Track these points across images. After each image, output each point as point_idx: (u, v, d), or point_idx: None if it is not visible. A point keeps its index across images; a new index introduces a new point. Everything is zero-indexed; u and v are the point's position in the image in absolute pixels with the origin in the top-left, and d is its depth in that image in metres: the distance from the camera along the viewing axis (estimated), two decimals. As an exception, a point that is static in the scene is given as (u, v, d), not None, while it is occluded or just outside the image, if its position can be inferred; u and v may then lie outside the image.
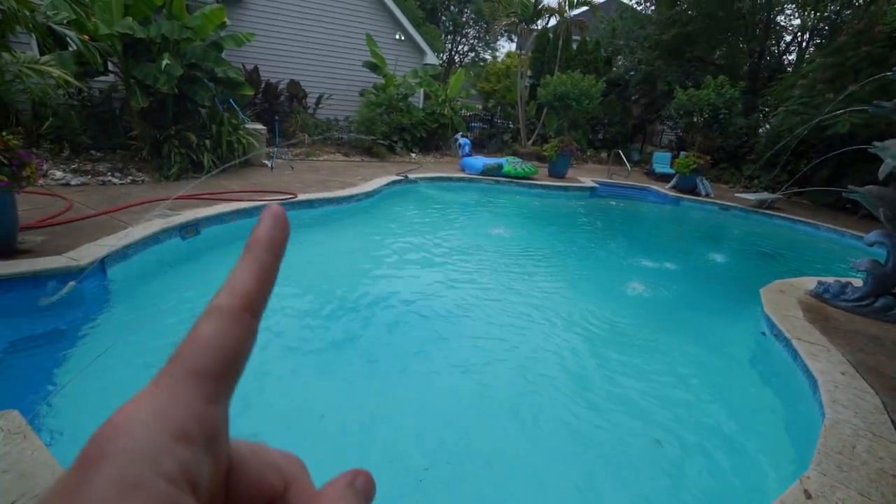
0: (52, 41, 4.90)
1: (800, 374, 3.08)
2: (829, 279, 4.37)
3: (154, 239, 4.33)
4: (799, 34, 14.91)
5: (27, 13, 3.03)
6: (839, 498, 1.91)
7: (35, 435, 1.89)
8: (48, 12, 4.41)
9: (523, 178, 9.66)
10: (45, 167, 5.78)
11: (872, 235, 3.98)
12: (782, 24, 15.42)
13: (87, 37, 5.81)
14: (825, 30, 13.39)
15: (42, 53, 6.81)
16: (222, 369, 0.19)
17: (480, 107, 16.31)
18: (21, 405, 2.12)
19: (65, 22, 5.42)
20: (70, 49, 5.72)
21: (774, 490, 2.12)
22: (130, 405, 0.18)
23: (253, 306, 0.21)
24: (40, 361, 2.78)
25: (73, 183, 5.72)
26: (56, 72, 3.82)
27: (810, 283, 4.52)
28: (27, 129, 6.18)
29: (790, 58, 15.62)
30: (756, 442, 2.74)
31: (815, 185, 10.23)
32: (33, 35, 3.58)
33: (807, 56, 13.72)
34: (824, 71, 9.31)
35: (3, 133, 3.34)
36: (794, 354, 3.21)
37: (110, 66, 6.59)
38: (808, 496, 1.92)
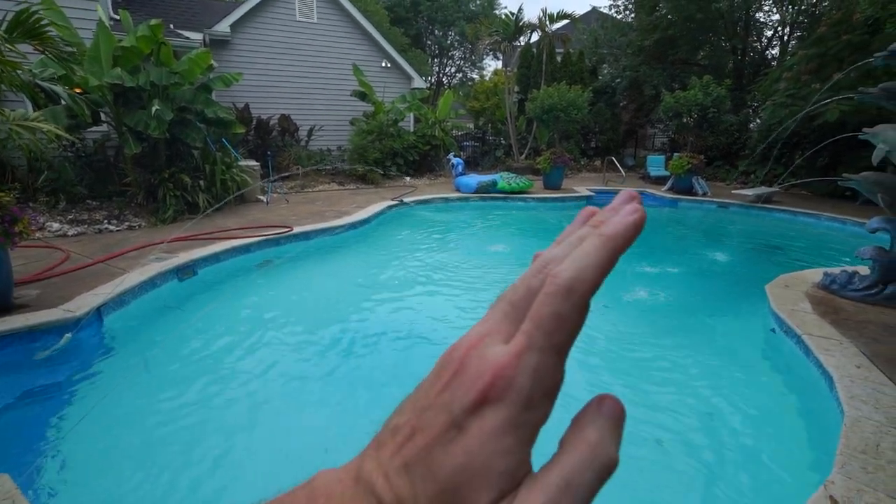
0: (43, 97, 5.00)
1: (814, 370, 2.98)
2: (835, 270, 4.28)
3: (151, 283, 4.31)
4: (779, 28, 15.09)
5: (12, 72, 3.09)
6: (867, 502, 1.81)
7: (24, 500, 1.83)
8: (34, 70, 4.51)
9: (518, 192, 9.68)
10: (41, 220, 5.83)
11: (874, 222, 3.91)
12: (762, 20, 15.64)
13: (78, 90, 5.94)
14: (805, 22, 13.55)
15: (36, 109, 6.96)
16: (571, 344, 0.22)
17: (471, 126, 16.48)
18: (16, 466, 2.07)
19: (55, 77, 5.56)
20: (62, 103, 5.84)
21: (798, 497, 2.01)
22: (511, 359, 0.20)
23: (594, 293, 0.22)
24: (36, 418, 2.73)
25: (70, 234, 5.76)
26: (46, 127, 3.87)
27: (816, 275, 4.43)
28: (23, 184, 6.27)
29: (773, 52, 15.78)
30: (774, 445, 2.63)
31: (812, 176, 10.18)
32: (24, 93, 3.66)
33: (789, 49, 13.85)
34: (808, 62, 9.36)
35: (-5, 191, 3.37)
36: (807, 350, 3.11)
37: (102, 116, 6.72)
38: (835, 502, 1.82)
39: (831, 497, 1.85)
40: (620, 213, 0.23)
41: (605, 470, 0.20)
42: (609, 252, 0.22)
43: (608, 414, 0.22)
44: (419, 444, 0.21)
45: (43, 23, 3.64)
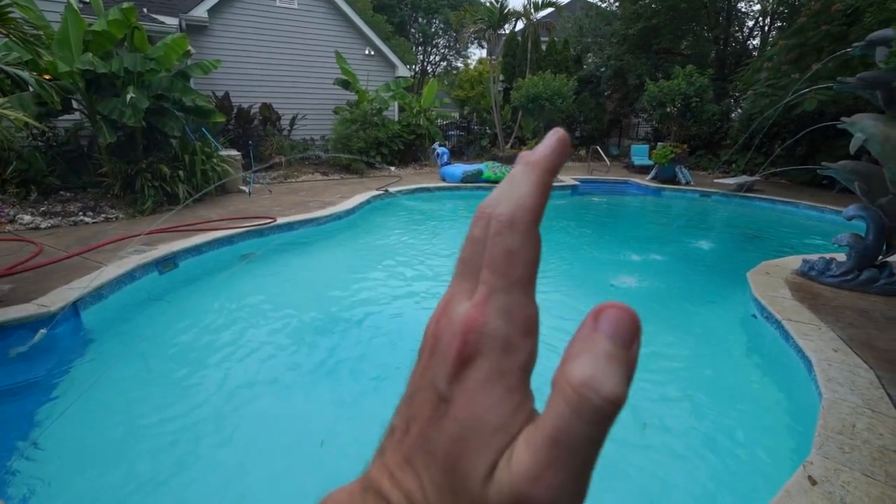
0: (9, 83, 4.78)
1: (794, 354, 3.06)
2: (814, 256, 4.39)
3: (130, 276, 4.20)
4: (760, 19, 15.27)
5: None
6: (843, 481, 1.87)
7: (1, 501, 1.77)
8: (-2, 54, 4.29)
9: (504, 181, 9.65)
10: (10, 212, 5.61)
11: (850, 209, 4.01)
12: (743, 10, 15.79)
13: (47, 76, 5.68)
14: (785, 12, 13.71)
15: (2, 96, 6.66)
16: (534, 276, 0.21)
17: (456, 115, 16.36)
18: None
19: (22, 62, 5.31)
20: (30, 90, 5.59)
21: (779, 477, 2.07)
22: (477, 309, 0.20)
23: (539, 220, 0.21)
24: (11, 417, 2.64)
25: (42, 226, 5.56)
26: (13, 114, 3.69)
27: (795, 262, 4.53)
28: (-9, 175, 6.02)
29: (754, 42, 15.98)
30: (755, 427, 2.70)
31: (792, 164, 10.39)
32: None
33: (770, 39, 14.02)
34: (788, 52, 9.48)
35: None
36: (786, 335, 3.19)
37: (74, 104, 6.46)
38: (813, 482, 1.88)
39: (810, 477, 1.90)
40: (544, 142, 0.23)
41: (600, 414, 0.16)
42: (540, 175, 0.22)
43: (608, 332, 0.18)
44: (414, 434, 0.20)
45: (4, 3, 3.46)
